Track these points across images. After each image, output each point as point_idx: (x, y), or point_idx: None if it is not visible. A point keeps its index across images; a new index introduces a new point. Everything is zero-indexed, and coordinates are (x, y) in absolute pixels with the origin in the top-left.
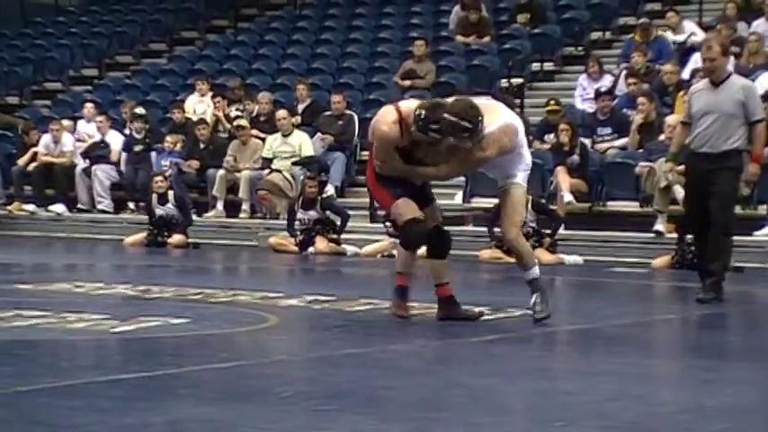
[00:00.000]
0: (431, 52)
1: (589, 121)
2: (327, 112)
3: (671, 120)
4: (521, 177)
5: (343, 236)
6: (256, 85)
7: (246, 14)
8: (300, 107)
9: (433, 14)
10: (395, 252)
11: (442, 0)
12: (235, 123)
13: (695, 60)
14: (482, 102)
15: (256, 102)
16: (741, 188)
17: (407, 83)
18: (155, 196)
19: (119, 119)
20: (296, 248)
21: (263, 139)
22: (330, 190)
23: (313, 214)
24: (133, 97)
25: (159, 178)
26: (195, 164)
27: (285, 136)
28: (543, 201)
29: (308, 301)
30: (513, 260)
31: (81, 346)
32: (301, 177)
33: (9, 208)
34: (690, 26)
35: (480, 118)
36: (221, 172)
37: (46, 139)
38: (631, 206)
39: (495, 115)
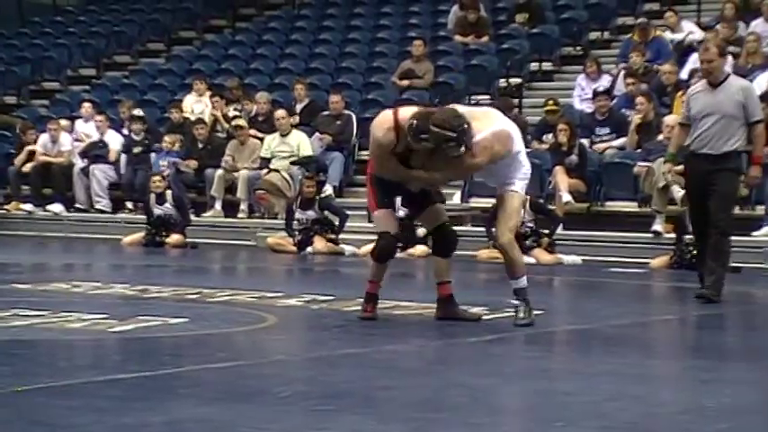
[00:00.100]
0: (429, 52)
1: (587, 121)
2: (326, 112)
3: (669, 120)
4: (519, 186)
5: (342, 236)
6: (254, 84)
7: (245, 14)
8: (299, 107)
9: (431, 14)
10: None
11: (441, 0)
12: (233, 123)
13: (694, 60)
14: (476, 109)
15: (254, 101)
16: (740, 189)
17: (406, 83)
18: (153, 196)
19: (117, 119)
20: (294, 248)
21: (262, 139)
22: (328, 190)
23: (311, 214)
24: (131, 97)
25: (157, 178)
26: (193, 164)
27: (283, 136)
28: (541, 201)
29: (307, 300)
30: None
31: (79, 346)
32: (299, 177)
33: (7, 207)
34: (688, 26)
35: (465, 126)
36: (219, 172)
37: (44, 138)
38: (630, 206)
39: (487, 122)
